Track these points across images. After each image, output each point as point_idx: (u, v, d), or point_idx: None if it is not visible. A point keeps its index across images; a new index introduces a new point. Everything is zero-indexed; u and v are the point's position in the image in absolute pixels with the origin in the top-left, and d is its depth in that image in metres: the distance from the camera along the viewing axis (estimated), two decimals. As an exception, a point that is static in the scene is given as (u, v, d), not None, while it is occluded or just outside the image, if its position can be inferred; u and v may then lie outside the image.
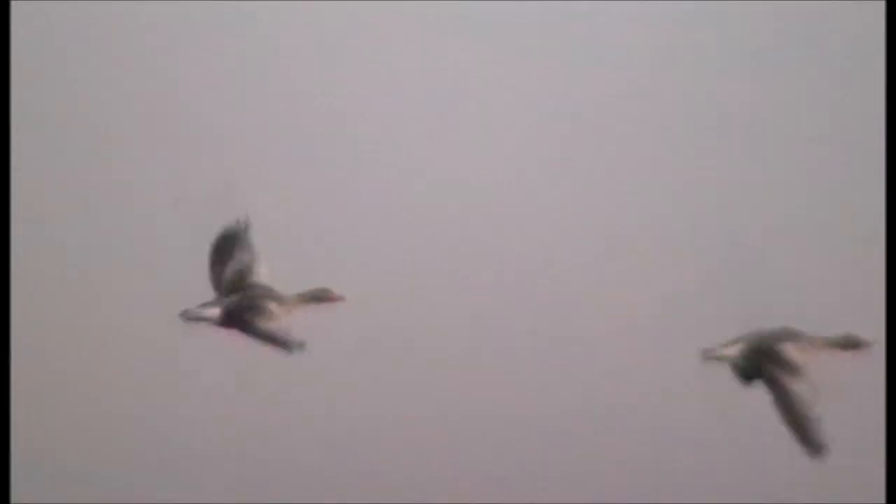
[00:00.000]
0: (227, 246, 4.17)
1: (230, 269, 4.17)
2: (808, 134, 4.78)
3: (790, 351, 4.09)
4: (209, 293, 4.66)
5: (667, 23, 4.72)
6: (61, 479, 4.64)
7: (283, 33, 4.66)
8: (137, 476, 4.67)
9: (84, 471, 4.64)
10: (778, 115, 4.76)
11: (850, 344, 4.18)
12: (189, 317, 4.12)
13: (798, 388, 4.04)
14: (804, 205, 4.77)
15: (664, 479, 4.71)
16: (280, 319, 4.09)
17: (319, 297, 4.16)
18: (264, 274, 4.13)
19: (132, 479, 4.66)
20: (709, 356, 4.09)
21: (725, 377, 4.67)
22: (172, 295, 4.71)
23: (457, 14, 4.63)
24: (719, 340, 4.58)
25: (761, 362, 4.09)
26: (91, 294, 4.69)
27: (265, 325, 4.07)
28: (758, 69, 4.76)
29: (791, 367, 4.07)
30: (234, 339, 4.68)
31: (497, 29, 4.69)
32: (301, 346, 4.06)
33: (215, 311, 4.12)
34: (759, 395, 4.76)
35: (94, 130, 4.70)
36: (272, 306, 4.10)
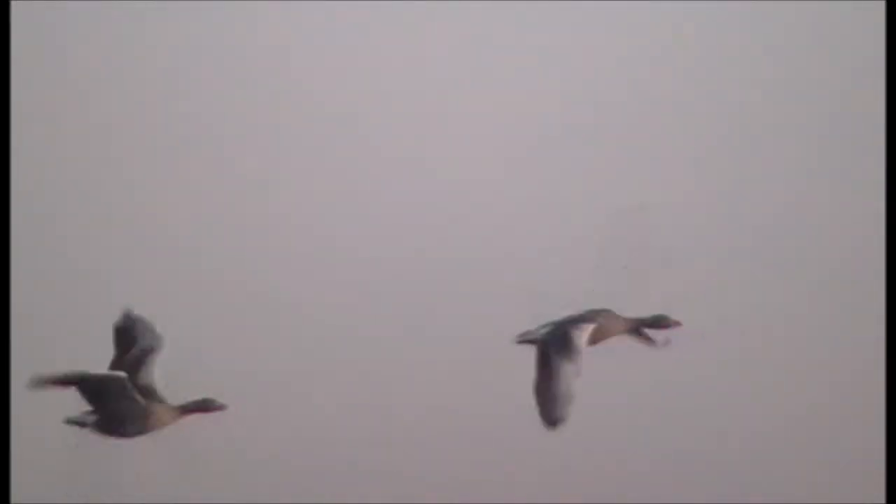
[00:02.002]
0: (130, 328, 4.11)
1: (132, 356, 4.12)
2: (808, 134, 4.78)
3: (576, 334, 4.07)
4: (216, 293, 4.67)
5: (667, 22, 4.73)
6: (61, 479, 4.63)
7: (283, 34, 4.67)
8: (138, 476, 4.66)
9: (84, 471, 4.64)
10: (777, 115, 4.77)
11: (658, 322, 4.19)
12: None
13: (566, 368, 4.03)
14: (804, 204, 4.78)
15: (659, 478, 4.71)
16: (161, 425, 4.05)
17: (202, 407, 4.11)
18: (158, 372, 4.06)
19: (132, 479, 4.65)
20: (521, 339, 4.07)
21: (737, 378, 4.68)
22: (171, 293, 4.72)
23: (455, 14, 4.64)
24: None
25: (557, 343, 4.08)
26: (89, 294, 4.69)
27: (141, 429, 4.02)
28: (757, 69, 4.76)
29: (570, 349, 4.07)
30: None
31: (495, 28, 4.70)
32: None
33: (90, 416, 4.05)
34: (758, 394, 4.76)
35: (93, 130, 4.70)
36: (157, 411, 4.04)
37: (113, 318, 4.70)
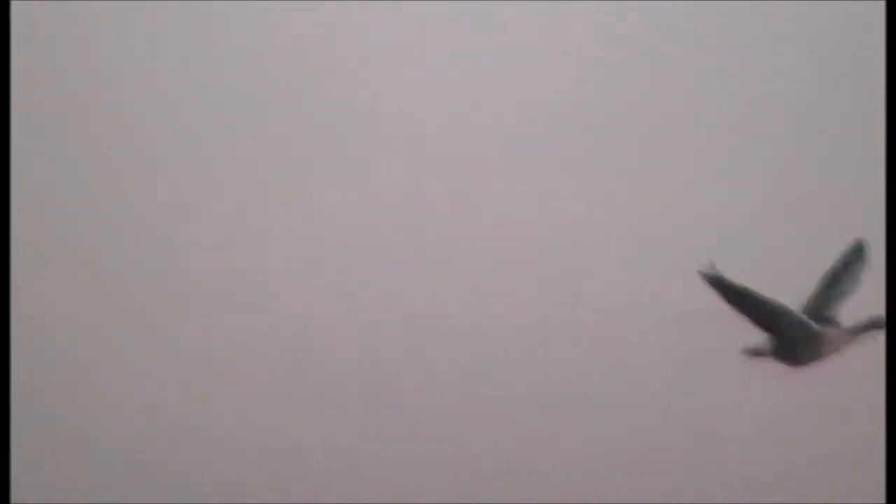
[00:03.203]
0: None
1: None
2: (807, 134, 4.78)
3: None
4: (203, 288, 4.68)
5: (666, 22, 4.73)
6: (61, 479, 4.65)
7: (286, 35, 4.68)
8: (138, 476, 4.68)
9: (84, 471, 4.66)
10: (776, 115, 4.77)
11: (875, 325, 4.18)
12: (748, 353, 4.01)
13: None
14: (803, 204, 4.78)
15: (658, 478, 4.71)
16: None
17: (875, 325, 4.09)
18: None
19: (133, 480, 4.67)
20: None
21: (736, 374, 4.68)
22: (172, 294, 4.73)
23: (454, 14, 4.65)
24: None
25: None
26: (91, 294, 4.71)
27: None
28: (756, 69, 4.76)
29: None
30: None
31: (492, 28, 4.71)
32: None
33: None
34: (757, 392, 4.76)
35: (94, 131, 4.72)
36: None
37: (114, 317, 4.71)
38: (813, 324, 4.02)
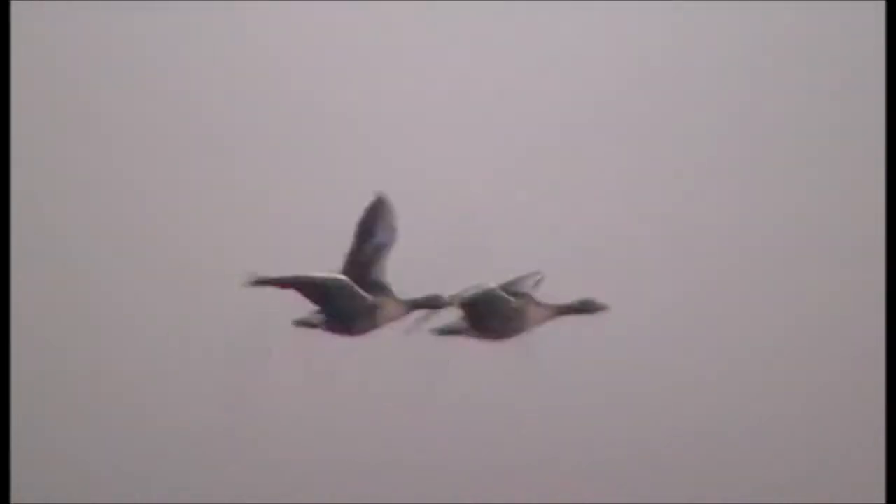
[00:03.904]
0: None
1: (368, 249, 4.22)
2: (808, 133, 4.78)
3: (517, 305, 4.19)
4: (205, 290, 4.67)
5: (668, 23, 4.73)
6: (61, 479, 4.65)
7: (283, 36, 4.68)
8: (137, 476, 4.67)
9: (84, 471, 4.65)
10: (778, 115, 4.77)
11: (585, 308, 4.24)
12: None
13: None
14: (804, 203, 4.78)
15: (660, 478, 4.71)
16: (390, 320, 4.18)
17: (431, 303, 4.21)
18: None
19: (132, 480, 4.66)
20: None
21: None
22: (171, 295, 4.72)
23: (455, 15, 4.65)
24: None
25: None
26: (92, 295, 4.70)
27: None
28: (758, 69, 4.76)
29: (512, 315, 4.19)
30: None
31: (493, 29, 4.70)
32: None
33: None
34: (760, 394, 4.76)
35: (93, 130, 4.71)
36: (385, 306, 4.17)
37: (110, 317, 4.70)
38: (367, 296, 4.18)
